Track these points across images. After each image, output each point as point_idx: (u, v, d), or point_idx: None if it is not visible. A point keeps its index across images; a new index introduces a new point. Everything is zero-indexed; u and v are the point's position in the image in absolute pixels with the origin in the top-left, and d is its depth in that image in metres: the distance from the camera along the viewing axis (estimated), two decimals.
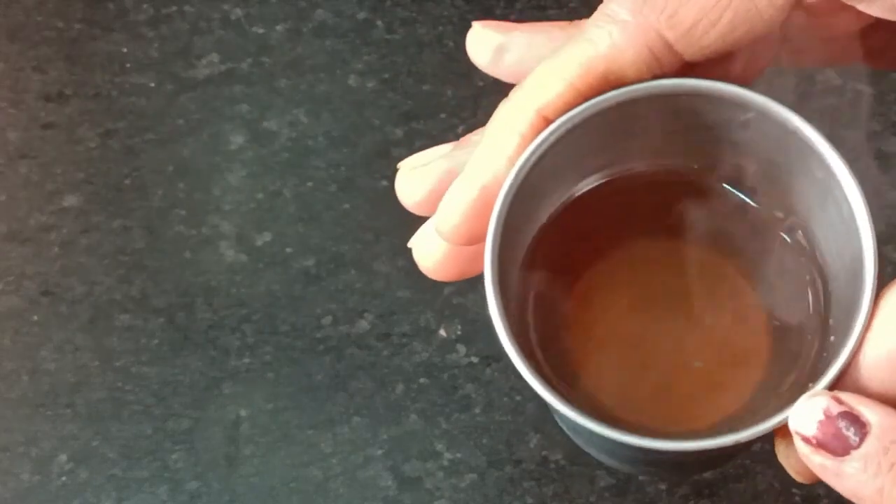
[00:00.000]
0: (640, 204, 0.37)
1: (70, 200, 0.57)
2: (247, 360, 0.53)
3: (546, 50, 0.35)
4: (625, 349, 0.36)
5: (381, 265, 0.54)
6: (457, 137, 0.47)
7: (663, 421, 0.36)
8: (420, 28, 0.61)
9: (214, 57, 0.60)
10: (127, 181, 0.57)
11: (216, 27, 0.61)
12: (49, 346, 0.53)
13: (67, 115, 0.59)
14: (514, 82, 0.36)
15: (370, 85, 0.59)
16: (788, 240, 0.36)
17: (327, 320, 0.54)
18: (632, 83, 0.33)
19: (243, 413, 0.51)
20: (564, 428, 0.37)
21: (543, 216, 0.36)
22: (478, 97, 0.58)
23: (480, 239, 0.34)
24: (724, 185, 0.37)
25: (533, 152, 0.34)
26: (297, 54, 0.60)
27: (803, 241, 0.36)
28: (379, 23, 0.61)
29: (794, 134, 0.34)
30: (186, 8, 0.61)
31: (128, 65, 0.60)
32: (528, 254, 0.36)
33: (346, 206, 0.56)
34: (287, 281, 0.54)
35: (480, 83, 0.58)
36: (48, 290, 0.54)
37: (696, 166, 0.36)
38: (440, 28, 0.61)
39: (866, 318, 0.32)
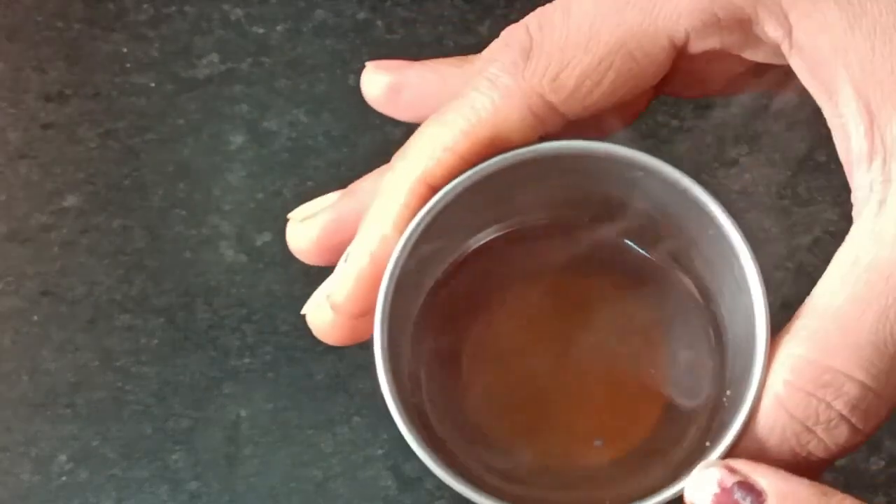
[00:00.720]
0: (532, 257, 0.37)
1: (70, 200, 0.57)
2: (247, 360, 0.53)
3: (439, 88, 0.35)
4: (522, 398, 0.36)
5: None
6: None
7: (566, 464, 0.36)
8: (420, 28, 0.61)
9: (214, 57, 0.60)
10: (127, 181, 0.57)
11: (216, 27, 0.61)
12: (49, 346, 0.53)
13: (67, 115, 0.59)
14: (410, 120, 0.36)
15: None
16: (684, 292, 0.36)
17: None
18: (517, 146, 0.33)
19: (243, 413, 0.51)
20: None
21: (437, 274, 0.36)
22: None
23: (372, 310, 0.33)
24: (620, 238, 0.36)
25: (420, 221, 0.33)
26: (297, 54, 0.60)
27: (699, 294, 0.36)
28: (379, 23, 0.61)
29: (683, 193, 0.33)
30: (186, 8, 0.61)
31: (128, 65, 0.60)
32: (422, 311, 0.36)
33: None
34: (287, 281, 0.54)
35: None
36: (48, 290, 0.55)
37: (591, 220, 0.36)
38: (440, 28, 0.61)
39: (760, 382, 0.32)
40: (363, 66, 0.60)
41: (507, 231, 0.36)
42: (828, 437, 0.31)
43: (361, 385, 0.52)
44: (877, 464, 0.51)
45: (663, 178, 0.33)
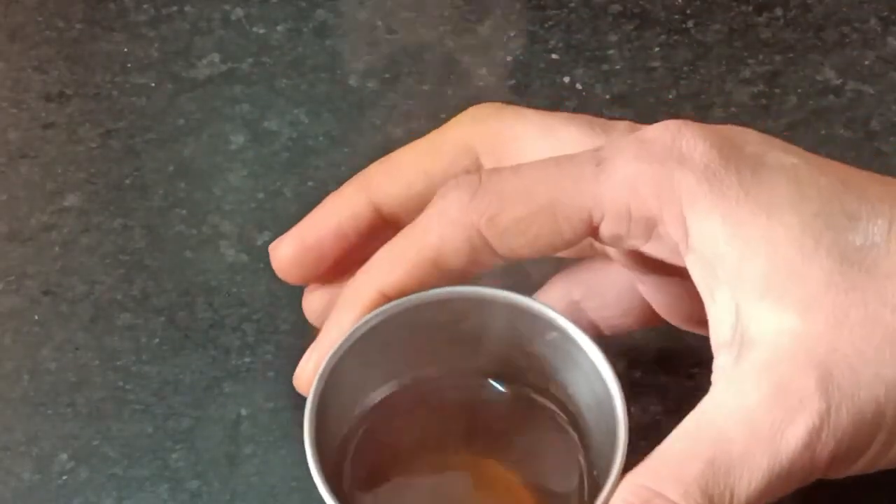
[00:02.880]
0: (429, 404, 0.43)
1: (70, 200, 0.57)
2: (247, 360, 0.53)
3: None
4: None
5: None
6: None
7: None
8: (420, 28, 0.61)
9: (215, 57, 0.60)
10: (127, 181, 0.57)
11: (216, 27, 0.61)
12: (50, 346, 0.53)
13: (68, 114, 0.59)
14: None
15: (370, 85, 0.59)
16: (560, 429, 0.42)
17: None
18: (455, 269, 0.40)
19: (244, 412, 0.51)
20: None
21: (368, 402, 0.43)
22: (478, 97, 0.58)
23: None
24: (504, 377, 0.43)
25: (367, 321, 0.40)
26: (297, 54, 0.60)
27: (574, 430, 0.42)
28: (379, 23, 0.61)
29: (560, 331, 0.39)
30: (187, 8, 0.62)
31: (128, 65, 0.60)
32: (349, 442, 0.43)
33: None
34: None
35: (480, 83, 0.58)
36: (49, 290, 0.55)
37: (475, 363, 0.42)
38: (440, 28, 0.61)
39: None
40: (364, 66, 0.60)
41: (410, 381, 0.43)
42: None
43: None
44: None
45: (533, 316, 0.40)
